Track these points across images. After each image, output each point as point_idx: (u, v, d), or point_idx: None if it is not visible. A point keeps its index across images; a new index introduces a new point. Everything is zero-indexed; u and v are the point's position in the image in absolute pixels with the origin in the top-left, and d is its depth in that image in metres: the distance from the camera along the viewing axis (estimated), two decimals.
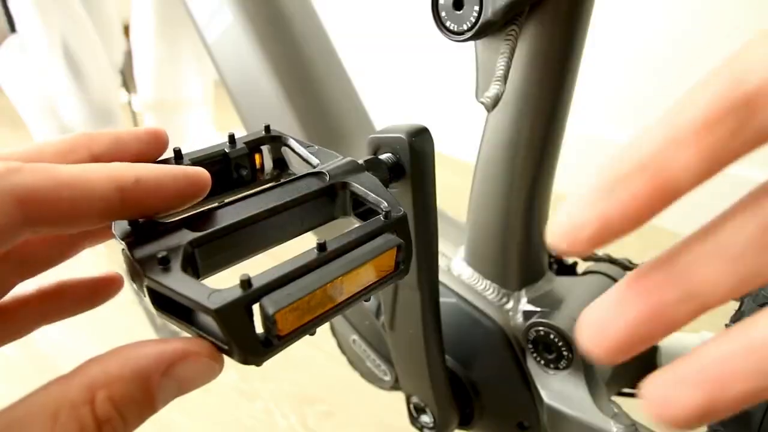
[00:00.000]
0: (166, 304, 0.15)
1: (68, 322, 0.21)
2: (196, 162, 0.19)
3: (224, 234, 0.17)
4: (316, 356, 0.75)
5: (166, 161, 0.19)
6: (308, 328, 0.16)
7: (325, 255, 0.16)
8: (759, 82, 0.11)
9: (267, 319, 0.14)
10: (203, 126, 1.01)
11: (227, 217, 0.17)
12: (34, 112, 0.83)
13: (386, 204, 0.19)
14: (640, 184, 0.12)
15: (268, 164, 0.22)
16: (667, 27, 0.93)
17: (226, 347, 0.15)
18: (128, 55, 1.00)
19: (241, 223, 0.17)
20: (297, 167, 0.22)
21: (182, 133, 1.00)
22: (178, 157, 0.19)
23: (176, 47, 0.90)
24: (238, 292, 0.14)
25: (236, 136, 0.21)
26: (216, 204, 0.18)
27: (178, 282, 0.14)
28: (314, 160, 0.21)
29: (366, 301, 0.18)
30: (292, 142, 0.22)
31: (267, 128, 0.22)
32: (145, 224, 0.16)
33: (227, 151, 0.21)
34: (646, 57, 0.97)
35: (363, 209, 0.20)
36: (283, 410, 0.69)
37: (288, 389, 0.72)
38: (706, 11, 0.88)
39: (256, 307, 0.15)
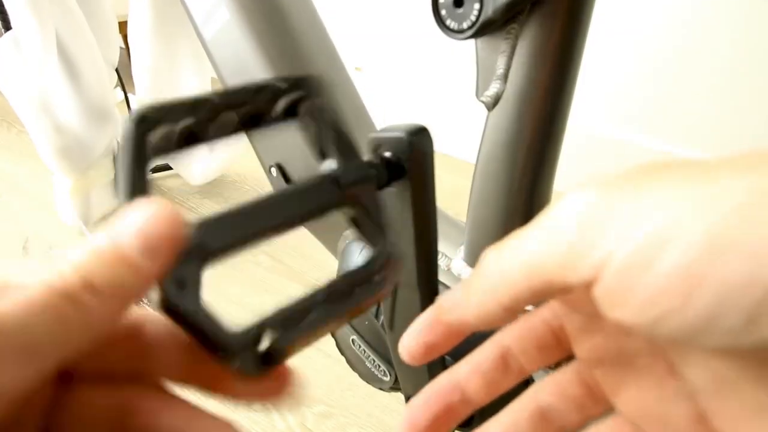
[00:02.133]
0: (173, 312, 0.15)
1: None
2: (215, 112, 0.18)
3: (233, 247, 0.17)
4: (315, 357, 0.75)
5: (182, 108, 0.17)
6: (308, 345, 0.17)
7: (328, 297, 0.17)
8: None
9: (275, 353, 0.15)
10: None
11: (241, 228, 0.17)
12: (30, 110, 0.82)
13: (387, 245, 0.19)
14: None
15: (281, 106, 0.20)
16: (668, 25, 0.93)
17: (227, 362, 0.15)
18: (124, 53, 0.99)
19: (254, 236, 0.17)
20: (310, 117, 0.20)
21: None
22: (196, 106, 0.17)
23: (174, 45, 0.90)
24: (252, 337, 0.15)
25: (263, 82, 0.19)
26: (230, 211, 0.17)
27: (197, 312, 0.15)
28: (329, 163, 0.20)
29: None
30: (322, 105, 0.20)
31: (306, 81, 0.20)
32: None
33: (250, 101, 0.19)
34: (647, 55, 0.97)
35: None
36: (281, 411, 0.69)
37: None
38: (707, 8, 0.88)
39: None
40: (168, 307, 0.14)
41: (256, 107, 0.19)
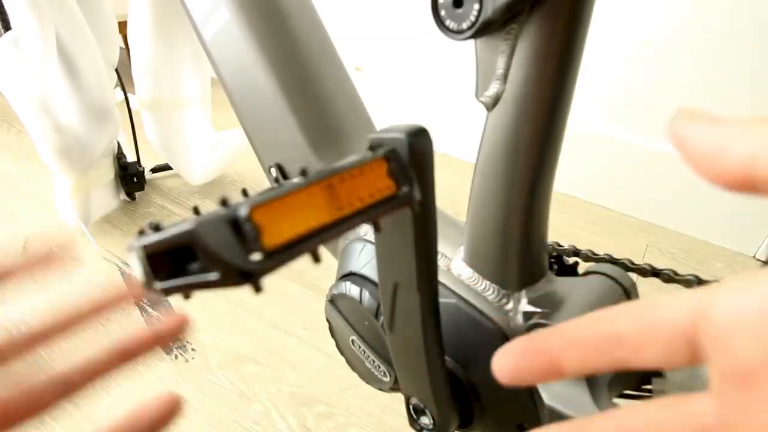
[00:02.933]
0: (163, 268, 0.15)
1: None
2: None
3: None
4: (315, 357, 0.75)
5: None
6: (305, 242, 0.15)
7: (308, 175, 0.16)
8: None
9: (245, 223, 0.14)
10: (201, 125, 1.01)
11: None
12: (30, 110, 0.82)
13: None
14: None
15: None
16: (668, 25, 0.93)
17: (219, 277, 0.14)
18: (124, 53, 0.99)
19: None
20: None
21: (180, 133, 1.00)
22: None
23: (174, 46, 0.90)
24: (219, 210, 0.14)
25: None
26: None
27: (165, 232, 0.15)
28: None
29: (373, 224, 0.18)
30: None
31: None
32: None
33: None
34: (648, 55, 0.97)
35: None
36: (281, 412, 0.69)
37: (287, 390, 0.72)
38: (706, 9, 0.88)
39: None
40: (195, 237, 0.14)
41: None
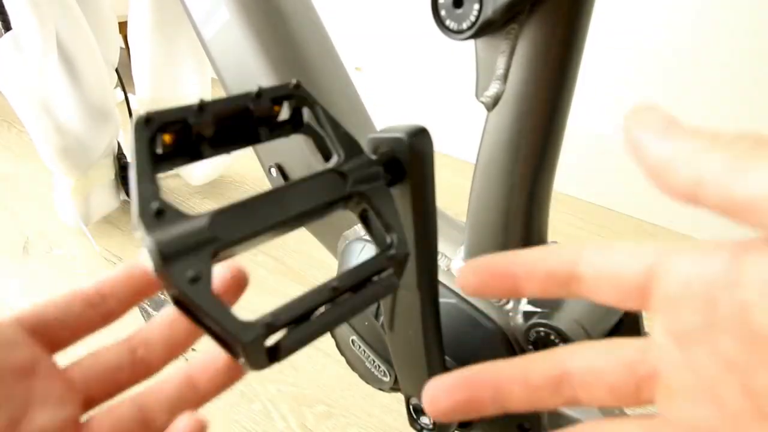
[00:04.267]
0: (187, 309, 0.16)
1: None
2: (217, 115, 0.18)
3: (245, 240, 0.17)
4: (315, 357, 0.75)
5: (186, 110, 0.17)
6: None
7: (335, 296, 0.18)
8: None
9: (281, 348, 0.16)
10: None
11: (251, 221, 0.17)
12: (30, 110, 0.82)
13: (394, 238, 0.20)
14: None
15: (284, 115, 0.20)
16: (669, 23, 0.93)
17: (236, 354, 0.16)
18: (124, 53, 0.99)
19: (264, 231, 0.17)
20: (313, 125, 0.21)
21: None
22: (201, 109, 0.17)
23: (174, 45, 0.90)
24: (263, 331, 0.16)
25: (261, 88, 0.19)
26: (240, 202, 0.17)
27: (210, 304, 0.15)
28: (336, 155, 0.20)
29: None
30: (320, 112, 0.20)
31: (297, 85, 0.20)
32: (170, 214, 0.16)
33: (251, 107, 0.19)
34: (648, 54, 0.97)
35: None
36: (281, 411, 0.69)
37: (286, 390, 0.72)
38: (709, 8, 0.88)
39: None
40: (181, 300, 0.15)
41: (260, 113, 0.19)
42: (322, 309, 0.17)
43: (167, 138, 0.16)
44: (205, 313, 0.15)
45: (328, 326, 0.17)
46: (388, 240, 0.20)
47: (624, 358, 0.16)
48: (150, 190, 0.15)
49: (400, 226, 0.20)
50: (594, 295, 0.17)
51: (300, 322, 0.17)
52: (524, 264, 0.18)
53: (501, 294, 0.19)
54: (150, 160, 0.15)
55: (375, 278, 0.19)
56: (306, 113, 0.20)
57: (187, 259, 0.15)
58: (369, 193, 0.20)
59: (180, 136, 0.17)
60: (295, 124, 0.21)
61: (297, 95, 0.20)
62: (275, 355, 0.16)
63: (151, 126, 0.16)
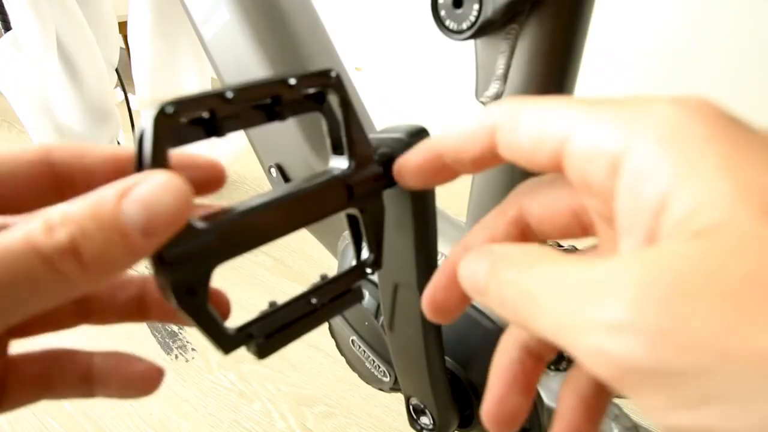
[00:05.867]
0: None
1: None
2: (246, 102, 0.17)
3: (244, 249, 0.17)
4: (315, 357, 0.75)
5: (214, 99, 0.16)
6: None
7: (314, 308, 0.19)
8: None
9: (260, 352, 0.18)
10: None
11: (255, 234, 0.17)
12: (30, 110, 0.82)
13: (371, 258, 0.21)
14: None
15: (310, 90, 0.20)
16: (671, 22, 0.93)
17: (222, 352, 0.17)
18: (124, 53, 0.99)
19: (263, 238, 0.17)
20: (335, 111, 0.20)
21: None
22: (229, 100, 0.16)
23: (174, 45, 0.90)
24: (242, 343, 0.17)
25: (300, 76, 0.18)
26: (243, 209, 0.17)
27: (202, 316, 0.16)
28: (347, 157, 0.20)
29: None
30: (350, 109, 0.20)
31: (338, 77, 0.19)
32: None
33: (284, 95, 0.18)
34: (648, 54, 0.97)
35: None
36: (281, 411, 0.69)
37: (286, 390, 0.72)
38: (709, 8, 0.88)
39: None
40: (177, 306, 0.15)
41: (290, 98, 0.19)
42: (296, 324, 0.19)
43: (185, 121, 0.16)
44: (197, 320, 0.16)
45: (298, 335, 0.19)
46: (365, 256, 0.21)
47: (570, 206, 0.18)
48: None
49: (380, 246, 0.21)
50: (513, 158, 0.17)
51: (275, 334, 0.18)
52: (446, 139, 0.18)
53: (438, 178, 0.19)
54: (163, 166, 0.15)
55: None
56: (332, 96, 0.20)
57: (188, 269, 0.15)
58: (365, 204, 0.20)
59: (200, 121, 0.17)
60: (318, 100, 0.20)
61: (336, 88, 0.19)
62: (257, 354, 0.17)
63: (173, 120, 0.15)
